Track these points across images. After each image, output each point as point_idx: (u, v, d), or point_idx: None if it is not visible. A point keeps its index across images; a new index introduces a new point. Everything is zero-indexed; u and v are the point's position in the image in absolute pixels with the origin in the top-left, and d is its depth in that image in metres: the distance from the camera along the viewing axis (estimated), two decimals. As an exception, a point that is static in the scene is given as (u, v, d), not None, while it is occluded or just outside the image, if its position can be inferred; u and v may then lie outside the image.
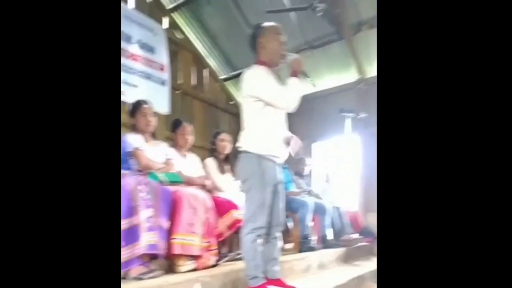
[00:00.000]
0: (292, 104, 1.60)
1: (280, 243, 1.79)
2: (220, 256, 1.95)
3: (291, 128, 1.76)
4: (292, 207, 2.85)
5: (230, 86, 4.72)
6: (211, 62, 4.48)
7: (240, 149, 1.63)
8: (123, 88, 3.04)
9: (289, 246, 3.06)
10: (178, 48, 3.96)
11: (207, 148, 3.18)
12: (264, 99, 1.59)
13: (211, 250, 1.81)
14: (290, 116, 1.74)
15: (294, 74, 1.62)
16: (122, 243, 1.40)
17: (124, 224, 1.43)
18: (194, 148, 2.73)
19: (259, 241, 1.59)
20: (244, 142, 1.62)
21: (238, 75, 4.52)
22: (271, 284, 1.62)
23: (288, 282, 1.77)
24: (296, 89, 1.60)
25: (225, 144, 2.65)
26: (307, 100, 2.91)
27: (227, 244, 2.17)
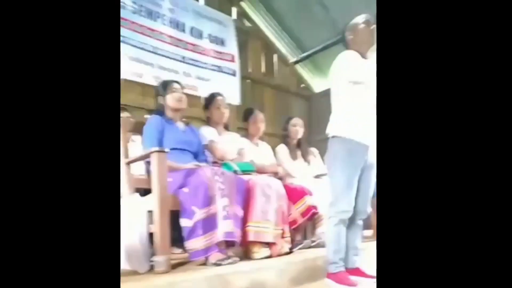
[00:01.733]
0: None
1: (362, 231, 1.75)
2: (294, 244, 1.98)
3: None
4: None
5: (300, 69, 4.63)
6: (281, 46, 4.44)
7: (329, 135, 1.65)
8: (196, 83, 3.22)
9: (369, 232, 2.94)
10: (248, 36, 4.01)
11: (278, 135, 3.21)
12: (352, 78, 1.58)
13: (284, 237, 1.85)
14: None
15: None
16: (201, 231, 1.51)
17: (203, 213, 1.54)
18: (265, 136, 2.77)
19: (343, 226, 1.59)
20: (332, 127, 1.65)
21: (308, 57, 4.41)
22: (350, 274, 1.60)
23: (369, 271, 1.72)
24: None
25: (297, 129, 2.64)
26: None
27: (301, 231, 2.19)
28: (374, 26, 1.66)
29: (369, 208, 1.71)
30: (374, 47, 1.62)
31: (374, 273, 1.68)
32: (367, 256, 2.06)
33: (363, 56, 1.65)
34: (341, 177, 1.57)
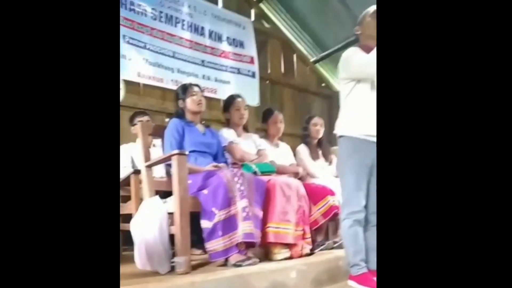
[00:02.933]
0: (373, 69, 1.47)
1: None
2: (316, 245, 1.95)
3: None
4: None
5: (321, 68, 4.58)
6: (300, 45, 4.41)
7: (337, 135, 1.63)
8: (216, 86, 3.25)
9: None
10: (267, 37, 4.01)
11: (298, 135, 3.18)
12: (351, 75, 1.56)
13: (305, 238, 1.82)
14: None
15: None
16: (220, 232, 1.52)
17: (223, 214, 1.54)
18: (285, 136, 2.76)
19: (358, 226, 1.55)
20: (340, 127, 1.62)
21: (328, 55, 4.35)
22: (374, 276, 1.56)
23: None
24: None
25: (318, 129, 2.61)
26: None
27: (323, 232, 2.16)
28: None
29: None
30: None
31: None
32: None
33: (371, 50, 1.57)
34: (350, 177, 1.54)
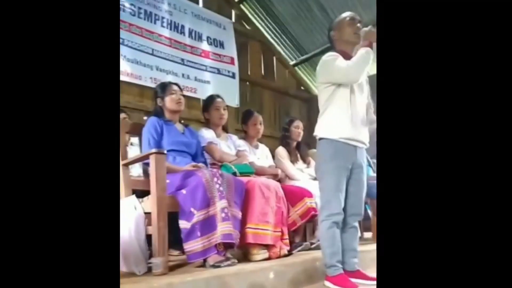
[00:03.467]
0: (357, 74, 1.54)
1: (358, 233, 1.74)
2: (293, 246, 1.96)
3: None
4: (373, 193, 2.70)
5: (300, 71, 4.64)
6: (280, 48, 4.45)
7: (317, 137, 1.65)
8: (195, 85, 3.22)
9: (368, 235, 2.93)
10: (247, 39, 4.02)
11: (277, 137, 3.20)
12: (330, 79, 1.58)
13: (283, 239, 1.83)
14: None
15: (369, 45, 1.55)
16: (199, 233, 1.50)
17: (202, 215, 1.52)
18: (264, 138, 2.77)
19: (336, 228, 1.58)
20: (319, 130, 1.64)
21: (307, 59, 4.42)
22: (350, 276, 1.59)
23: (370, 273, 1.70)
24: (362, 59, 1.52)
25: (300, 131, 2.65)
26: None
27: (301, 233, 2.18)
28: (360, 25, 1.64)
29: (362, 209, 1.69)
30: (358, 47, 1.59)
31: (375, 275, 1.67)
32: (367, 258, 2.05)
33: (348, 56, 1.62)
34: (329, 180, 1.56)
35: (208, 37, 3.46)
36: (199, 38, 3.40)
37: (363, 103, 1.67)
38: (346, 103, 1.59)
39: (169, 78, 2.80)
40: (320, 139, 1.63)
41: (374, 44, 1.55)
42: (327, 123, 1.61)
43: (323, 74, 1.61)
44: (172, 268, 1.49)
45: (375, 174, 3.05)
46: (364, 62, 1.52)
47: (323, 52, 4.13)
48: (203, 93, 3.09)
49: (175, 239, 1.61)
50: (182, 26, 3.26)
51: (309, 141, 3.55)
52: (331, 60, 1.59)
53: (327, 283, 1.58)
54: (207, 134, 2.16)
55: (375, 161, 3.24)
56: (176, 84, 2.03)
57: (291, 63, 4.54)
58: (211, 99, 2.28)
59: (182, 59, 3.18)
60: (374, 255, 2.19)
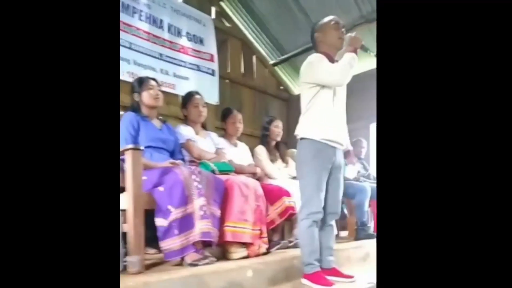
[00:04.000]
0: (344, 78, 1.57)
1: (334, 232, 1.77)
2: (272, 244, 1.97)
3: (347, 109, 1.73)
4: (349, 193, 2.76)
5: (279, 71, 4.65)
6: (260, 47, 4.44)
7: (298, 137, 1.66)
8: (174, 81, 3.16)
9: (344, 233, 2.98)
10: (227, 36, 3.98)
11: (256, 136, 3.20)
12: (316, 81, 1.59)
13: (262, 237, 1.83)
14: (346, 96, 1.71)
15: (353, 51, 1.59)
16: (176, 231, 1.47)
17: (179, 212, 1.50)
18: (243, 136, 2.75)
19: (315, 227, 1.60)
20: (301, 129, 1.65)
21: (287, 59, 4.43)
22: (326, 274, 1.61)
23: (345, 271, 1.73)
24: (348, 63, 1.55)
25: (279, 131, 2.65)
26: (364, 78, 2.76)
27: (279, 231, 2.18)
28: (344, 30, 1.67)
29: (339, 209, 1.72)
30: (342, 52, 1.63)
31: (351, 273, 1.70)
32: (343, 256, 2.09)
33: (331, 59, 1.65)
34: (310, 179, 1.58)
35: (187, 33, 3.40)
36: (178, 33, 3.33)
37: (342, 105, 1.69)
38: (328, 104, 1.61)
39: (146, 73, 2.73)
40: (302, 139, 1.64)
41: (358, 50, 1.60)
42: (310, 123, 1.62)
43: (309, 74, 1.62)
44: (149, 267, 1.46)
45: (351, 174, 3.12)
46: (351, 67, 1.55)
47: (302, 52, 4.19)
48: (181, 89, 3.03)
49: (152, 237, 1.57)
50: (161, 21, 3.19)
51: (288, 140, 3.58)
52: (318, 61, 1.60)
53: (304, 281, 1.59)
54: (185, 131, 2.12)
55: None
56: (154, 79, 1.98)
57: (271, 62, 4.55)
58: (190, 96, 2.24)
59: (161, 54, 3.11)
60: (349, 253, 2.25)
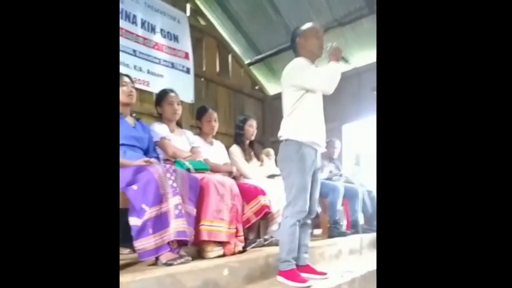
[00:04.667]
0: (332, 86, 1.63)
1: (310, 230, 1.80)
2: (248, 242, 1.97)
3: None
4: (322, 192, 2.80)
5: (255, 71, 4.67)
6: (235, 47, 4.44)
7: (282, 138, 1.68)
8: (148, 78, 3.09)
9: (318, 231, 3.04)
10: (202, 34, 3.95)
11: (231, 135, 3.19)
12: (304, 85, 1.63)
13: (238, 236, 1.83)
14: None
15: (336, 60, 1.65)
16: (151, 230, 1.44)
17: (154, 211, 1.47)
18: (218, 135, 2.74)
19: (298, 226, 1.63)
20: (285, 131, 1.68)
21: (262, 59, 4.46)
22: (300, 271, 1.63)
23: (318, 268, 1.77)
24: (336, 72, 1.62)
25: (253, 130, 2.65)
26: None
27: (255, 230, 2.19)
28: (323, 38, 1.73)
29: (316, 208, 1.76)
30: (322, 58, 1.69)
31: (324, 270, 1.74)
32: (316, 253, 2.13)
33: (314, 60, 1.71)
34: (296, 179, 1.60)
35: (162, 30, 3.34)
36: (152, 30, 3.26)
37: (321, 107, 1.74)
38: (312, 107, 1.67)
39: (120, 70, 2.66)
40: (286, 140, 1.66)
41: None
42: (294, 125, 1.65)
43: (294, 78, 1.64)
44: (122, 267, 1.42)
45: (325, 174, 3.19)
46: (338, 75, 1.61)
47: (278, 53, 4.23)
48: (156, 86, 2.97)
49: (125, 236, 1.53)
50: (134, 16, 3.11)
51: (263, 140, 3.61)
52: (305, 67, 1.64)
53: (279, 278, 1.61)
54: (160, 129, 2.08)
55: (325, 161, 3.38)
56: (127, 75, 1.93)
57: (246, 62, 4.55)
58: (164, 93, 2.20)
59: (134, 50, 3.04)
60: (322, 250, 2.29)
